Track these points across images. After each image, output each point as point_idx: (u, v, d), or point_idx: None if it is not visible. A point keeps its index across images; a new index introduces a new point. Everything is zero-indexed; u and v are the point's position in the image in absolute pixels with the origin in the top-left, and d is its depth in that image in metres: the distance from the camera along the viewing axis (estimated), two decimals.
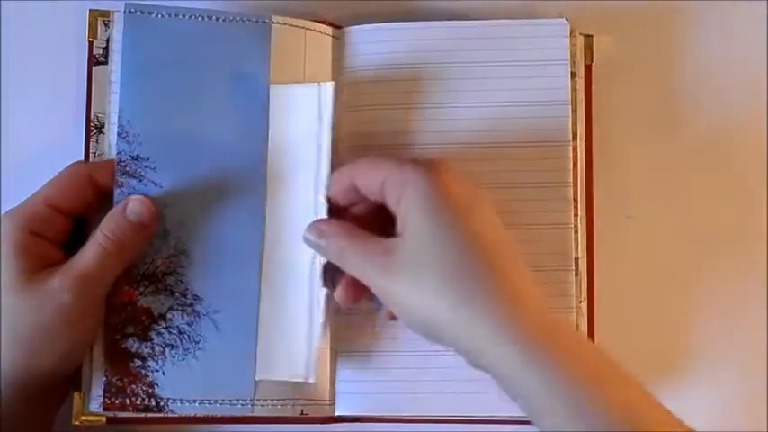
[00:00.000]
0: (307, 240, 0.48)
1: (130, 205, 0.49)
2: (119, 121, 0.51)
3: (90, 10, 0.53)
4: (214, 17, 0.52)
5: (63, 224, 0.49)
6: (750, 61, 0.57)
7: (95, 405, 0.50)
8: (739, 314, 0.55)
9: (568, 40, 0.53)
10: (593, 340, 0.53)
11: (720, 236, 0.56)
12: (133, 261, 0.50)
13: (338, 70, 0.54)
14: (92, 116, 0.52)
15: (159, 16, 0.51)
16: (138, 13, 0.51)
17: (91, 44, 0.53)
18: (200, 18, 0.52)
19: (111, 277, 0.49)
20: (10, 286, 0.47)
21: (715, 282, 0.55)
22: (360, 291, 0.48)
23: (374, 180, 0.46)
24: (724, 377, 0.55)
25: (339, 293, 0.49)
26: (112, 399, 0.50)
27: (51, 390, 0.49)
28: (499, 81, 0.53)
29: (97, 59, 0.52)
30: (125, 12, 0.51)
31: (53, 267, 0.48)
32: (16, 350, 0.47)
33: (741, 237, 0.56)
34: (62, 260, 0.48)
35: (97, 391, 0.50)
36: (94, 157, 0.52)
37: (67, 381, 0.50)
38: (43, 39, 0.57)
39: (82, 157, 0.52)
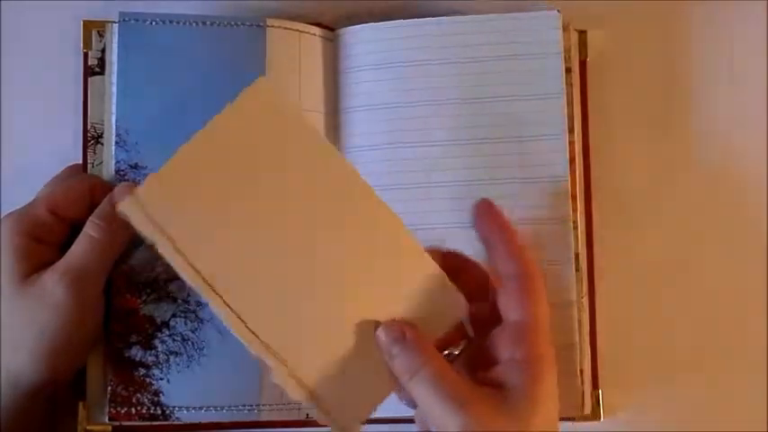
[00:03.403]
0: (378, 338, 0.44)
1: (116, 190, 0.49)
2: (116, 130, 0.51)
3: (84, 21, 0.53)
4: (208, 22, 0.52)
5: (62, 230, 0.49)
6: (748, 56, 0.56)
7: (101, 415, 0.50)
8: (740, 311, 0.55)
9: (561, 30, 0.53)
10: (595, 337, 0.53)
11: (721, 231, 0.56)
12: (134, 269, 0.50)
13: (334, 73, 0.54)
14: (89, 126, 0.52)
15: (153, 24, 0.51)
16: (133, 21, 0.51)
17: (86, 55, 0.53)
18: (194, 24, 0.52)
19: (104, 268, 0.48)
20: (7, 290, 0.47)
21: (716, 279, 0.55)
22: None
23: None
24: (724, 375, 0.55)
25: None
26: (118, 408, 0.50)
27: (54, 394, 0.49)
28: (494, 75, 0.53)
29: (93, 70, 0.53)
30: (119, 21, 0.51)
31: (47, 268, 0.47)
32: (18, 355, 0.47)
33: (742, 230, 0.56)
34: None
35: (102, 401, 0.50)
36: (93, 167, 0.52)
37: (71, 386, 0.50)
38: (40, 49, 0.57)
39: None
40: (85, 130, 0.52)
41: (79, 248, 0.48)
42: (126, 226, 0.45)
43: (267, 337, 0.42)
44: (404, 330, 0.43)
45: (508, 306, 0.44)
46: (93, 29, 0.53)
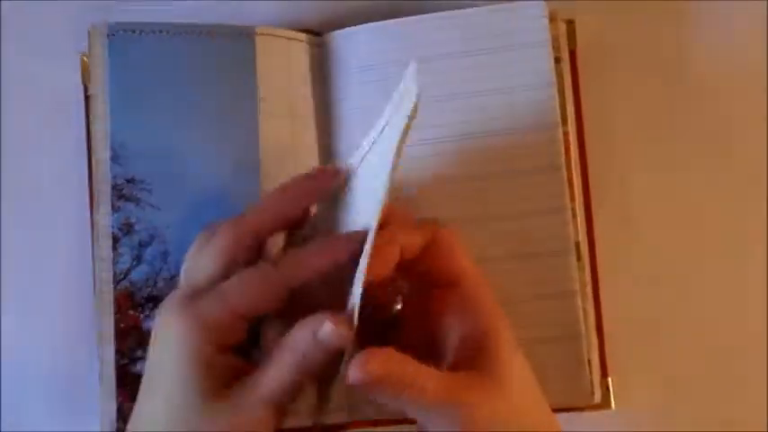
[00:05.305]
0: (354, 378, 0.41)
1: (322, 331, 0.42)
2: (111, 144, 0.52)
3: (82, 54, 0.54)
4: (197, 32, 0.53)
5: (244, 330, 0.44)
6: (743, 41, 0.56)
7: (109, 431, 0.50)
8: (740, 310, 0.54)
9: (547, 20, 0.53)
10: (602, 325, 0.53)
11: (723, 213, 0.55)
12: (135, 285, 0.50)
13: (325, 78, 0.55)
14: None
15: (142, 34, 0.52)
16: (121, 32, 0.52)
17: (86, 87, 0.54)
18: (183, 34, 0.52)
19: (299, 394, 0.43)
20: (199, 405, 0.42)
21: (717, 275, 0.55)
22: None
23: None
24: (724, 373, 0.54)
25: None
26: (126, 424, 0.50)
27: None
28: (483, 69, 0.53)
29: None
30: (108, 34, 0.52)
31: (237, 384, 0.42)
32: None
33: (743, 213, 0.55)
34: (240, 367, 0.43)
35: (110, 416, 0.50)
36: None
37: None
38: (42, 61, 0.57)
39: (85, 188, 0.53)
40: (90, 161, 0.53)
41: (279, 376, 0.42)
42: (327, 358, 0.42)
43: None
44: (375, 364, 0.40)
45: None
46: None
